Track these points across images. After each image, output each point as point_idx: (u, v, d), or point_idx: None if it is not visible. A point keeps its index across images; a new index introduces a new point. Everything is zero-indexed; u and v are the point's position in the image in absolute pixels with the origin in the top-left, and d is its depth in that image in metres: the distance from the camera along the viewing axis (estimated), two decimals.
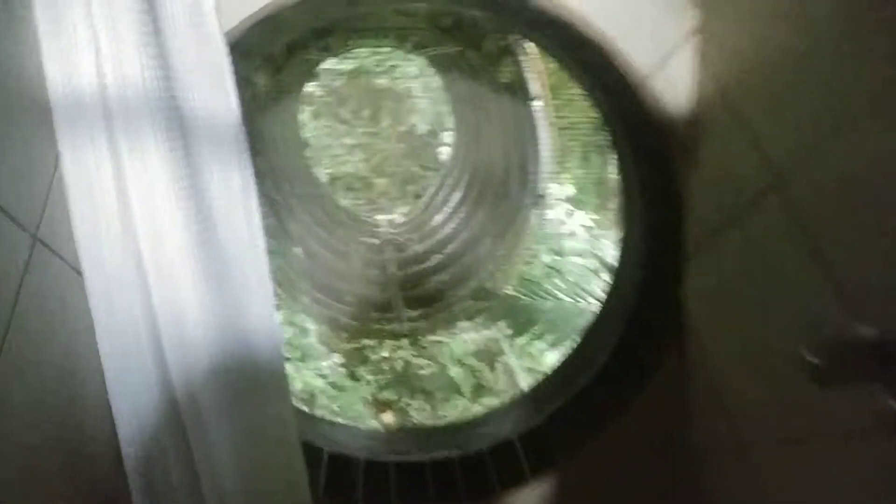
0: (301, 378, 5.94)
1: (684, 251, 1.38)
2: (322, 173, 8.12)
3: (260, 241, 1.22)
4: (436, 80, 7.17)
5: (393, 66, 8.88)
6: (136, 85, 0.96)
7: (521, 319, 2.69)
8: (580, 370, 1.81)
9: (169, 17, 1.02)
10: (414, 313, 4.23)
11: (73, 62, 0.91)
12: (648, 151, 1.35)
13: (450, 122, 6.99)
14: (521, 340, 2.55)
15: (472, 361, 5.71)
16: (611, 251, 4.11)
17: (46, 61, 0.89)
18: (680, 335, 1.49)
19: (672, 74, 1.26)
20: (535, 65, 3.66)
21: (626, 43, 1.24)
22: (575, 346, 1.89)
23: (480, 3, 1.49)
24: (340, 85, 9.35)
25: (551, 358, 2.67)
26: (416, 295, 4.42)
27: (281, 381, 1.27)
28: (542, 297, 2.90)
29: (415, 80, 8.87)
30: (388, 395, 5.53)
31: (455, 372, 5.68)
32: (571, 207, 5.46)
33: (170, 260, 1.03)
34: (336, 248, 4.88)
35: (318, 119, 9.17)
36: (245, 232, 1.19)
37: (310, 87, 8.85)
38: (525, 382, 2.78)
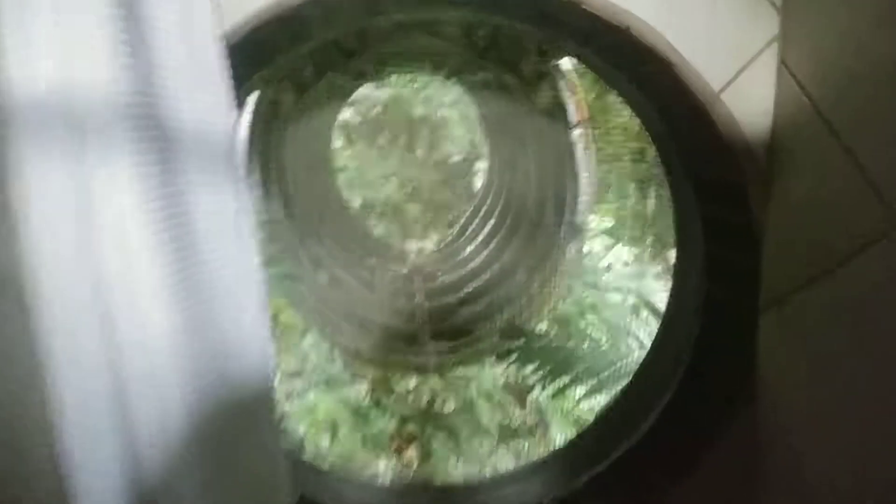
0: (324, 405, 5.78)
1: (759, 300, 1.15)
2: (355, 199, 8.09)
3: (255, 275, 1.05)
4: (472, 110, 7.10)
5: (429, 96, 8.90)
6: (108, 91, 0.82)
7: (556, 362, 2.45)
8: (624, 429, 1.57)
9: (152, 15, 0.88)
10: (441, 346, 4.02)
11: (34, 67, 0.77)
12: (717, 181, 1.14)
13: (485, 150, 6.89)
14: (555, 385, 2.30)
15: (501, 395, 5.43)
16: (653, 288, 3.84)
17: (7, 68, 0.75)
18: (749, 397, 1.25)
19: (747, 89, 1.05)
20: (574, 91, 3.48)
21: (694, 54, 1.04)
22: (617, 398, 1.66)
23: (526, 15, 1.33)
24: (377, 113, 9.41)
25: (589, 407, 2.42)
26: (443, 328, 4.21)
27: (274, 441, 1.09)
28: (578, 337, 2.66)
29: (451, 109, 8.85)
30: (411, 428, 5.30)
31: (482, 407, 5.42)
32: (610, 240, 5.20)
33: (143, 298, 0.86)
34: (363, 276, 4.74)
35: (354, 146, 9.22)
36: (238, 265, 1.02)
37: (347, 115, 8.94)
38: (559, 435, 2.53)
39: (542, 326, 3.01)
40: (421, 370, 3.88)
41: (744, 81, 1.05)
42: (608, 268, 4.31)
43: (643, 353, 2.42)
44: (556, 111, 3.57)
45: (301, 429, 5.75)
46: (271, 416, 1.15)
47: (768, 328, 1.15)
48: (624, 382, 2.37)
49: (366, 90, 8.73)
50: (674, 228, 1.51)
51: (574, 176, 3.69)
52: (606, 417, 1.64)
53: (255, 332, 1.05)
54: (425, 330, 4.22)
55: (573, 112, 3.50)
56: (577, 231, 3.75)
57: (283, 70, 2.64)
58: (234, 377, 1.02)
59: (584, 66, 2.26)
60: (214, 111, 1.00)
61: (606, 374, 2.32)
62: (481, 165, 7.35)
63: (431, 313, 4.45)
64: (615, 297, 3.40)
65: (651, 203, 5.87)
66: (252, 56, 1.17)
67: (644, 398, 1.52)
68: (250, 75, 1.30)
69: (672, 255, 4.76)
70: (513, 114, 4.31)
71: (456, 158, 8.45)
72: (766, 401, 1.19)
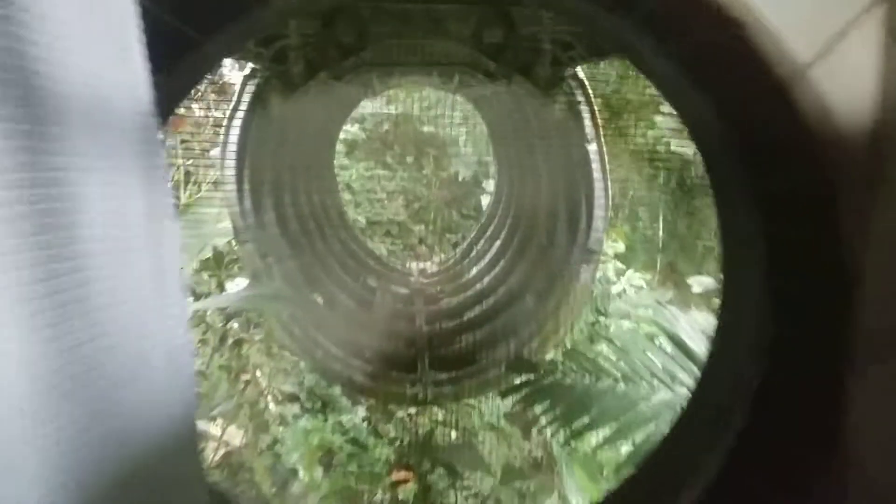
0: (320, 433, 5.48)
1: (850, 350, 0.86)
2: (359, 217, 7.88)
3: (178, 311, 0.78)
4: (481, 128, 6.90)
5: (438, 114, 8.74)
6: None
7: (569, 401, 2.15)
8: (655, 496, 1.28)
9: None
10: (440, 376, 3.71)
11: None
12: (793, 190, 0.87)
13: (493, 169, 6.66)
14: (569, 429, 2.01)
15: (504, 425, 5.09)
16: (670, 317, 3.54)
17: None
18: (827, 473, 0.96)
19: (842, 65, 0.78)
20: (590, 103, 3.24)
21: (774, 16, 0.78)
22: (646, 459, 1.36)
23: None
24: (385, 130, 9.26)
25: (609, 457, 2.11)
26: (444, 355, 3.92)
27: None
28: (592, 372, 2.35)
29: (459, 127, 8.67)
30: (409, 459, 4.99)
31: (484, 439, 5.08)
32: (621, 265, 4.91)
33: None
34: (361, 296, 4.47)
35: (360, 163, 9.04)
36: (147, 286, 0.75)
37: (353, 130, 8.78)
38: (573, 490, 2.20)
39: (553, 359, 2.71)
40: (417, 402, 3.57)
41: (838, 54, 0.78)
42: (620, 294, 4.02)
43: (668, 394, 2.11)
44: (570, 125, 3.33)
45: (294, 457, 5.44)
46: (196, 474, 0.86)
47: (864, 387, 0.86)
48: (647, 427, 2.07)
49: (373, 106, 8.60)
50: (722, 251, 1.23)
51: (588, 195, 3.42)
52: (635, 480, 1.34)
53: (170, 379, 0.77)
54: (424, 357, 3.92)
55: (589, 126, 3.25)
56: (591, 255, 3.47)
57: (265, 50, 2.40)
58: (136, 440, 0.74)
59: (610, 64, 2.04)
60: (121, 73, 0.74)
61: (627, 417, 2.02)
62: (489, 184, 7.12)
63: (432, 339, 4.16)
64: (629, 327, 3.10)
65: (660, 226, 5.60)
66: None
67: (682, 463, 1.22)
68: (211, 32, 1.04)
69: (693, 281, 4.47)
70: (523, 129, 4.07)
71: (464, 177, 8.24)
72: (856, 485, 0.89)
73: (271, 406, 5.75)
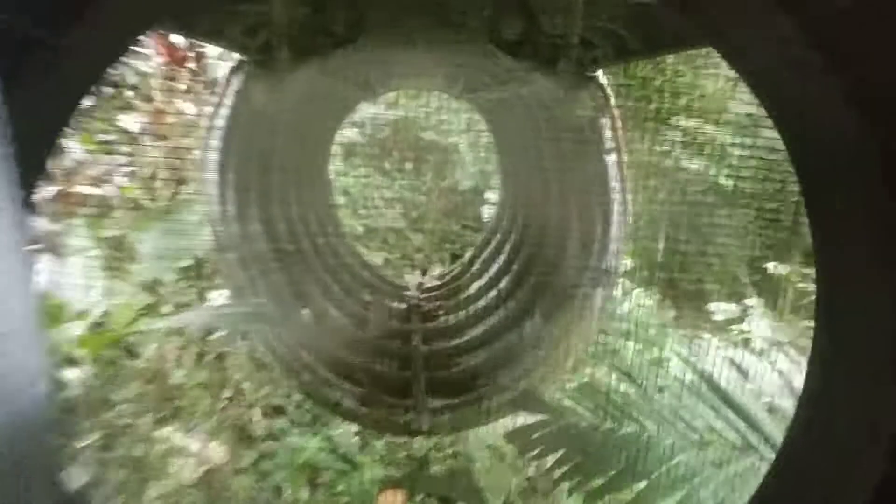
0: (307, 449, 5.17)
1: None
2: (356, 224, 7.57)
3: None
4: (485, 136, 6.63)
5: (441, 120, 8.47)
6: None
7: (587, 452, 1.84)
8: None
9: None
10: (437, 403, 3.39)
11: None
12: None
13: (496, 179, 6.39)
14: (587, 487, 1.69)
15: (504, 446, 4.77)
16: (690, 346, 3.25)
17: None
18: None
19: None
20: (610, 111, 2.96)
21: None
22: None
23: None
24: (384, 136, 8.98)
25: None
26: (441, 379, 3.60)
27: None
28: (612, 414, 2.05)
29: (461, 135, 8.40)
30: (401, 485, 4.67)
31: (483, 465, 4.76)
32: (630, 284, 4.61)
33: None
34: (353, 311, 4.15)
35: (357, 169, 8.75)
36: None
37: (351, 135, 8.50)
38: None
39: (562, 398, 2.40)
40: (412, 431, 3.25)
41: None
42: (629, 316, 3.70)
43: (713, 451, 1.81)
44: (587, 133, 3.04)
45: (280, 475, 5.13)
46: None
47: None
48: (682, 491, 1.76)
49: (373, 110, 8.33)
50: (818, 280, 0.93)
51: (605, 210, 3.13)
52: None
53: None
54: (420, 380, 3.61)
55: (608, 135, 2.96)
56: (606, 276, 3.17)
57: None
58: None
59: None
60: None
61: (659, 475, 1.71)
62: (491, 195, 6.85)
63: (429, 360, 3.84)
64: (648, 357, 2.80)
65: (662, 243, 5.30)
66: None
67: None
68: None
69: (716, 308, 4.18)
70: (534, 137, 3.79)
71: (465, 186, 7.95)
72: None
73: (256, 419, 5.43)
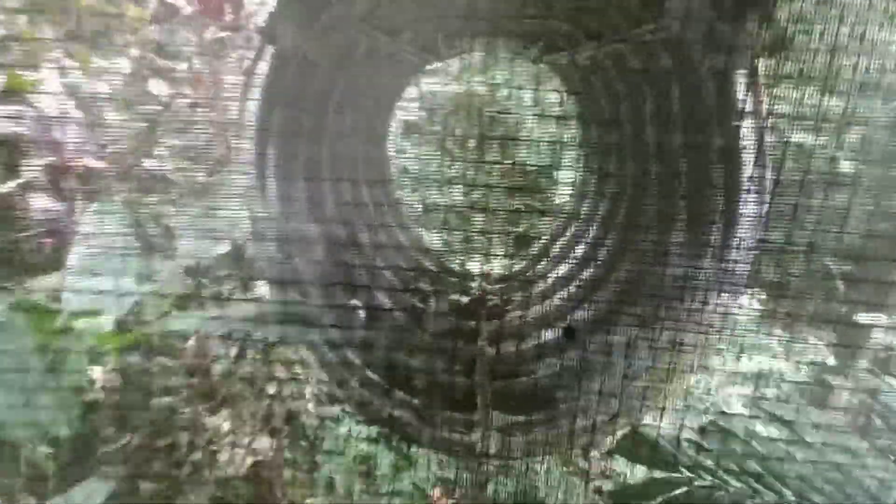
0: (362, 440, 4.82)
1: None
2: (413, 204, 7.10)
3: None
4: (557, 107, 5.93)
5: (508, 93, 7.80)
6: None
7: None
8: None
9: None
10: (507, 420, 2.86)
11: None
12: None
13: (573, 155, 5.70)
14: None
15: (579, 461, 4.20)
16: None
17: None
18: None
19: None
20: (748, 69, 2.25)
21: None
22: None
23: None
24: (445, 112, 8.42)
25: None
26: (510, 391, 3.06)
27: None
28: (743, 467, 1.44)
29: (530, 109, 7.70)
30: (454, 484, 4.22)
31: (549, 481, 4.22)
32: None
33: None
34: (409, 305, 3.66)
35: (417, 146, 8.27)
36: None
37: (413, 109, 7.99)
38: None
39: (667, 439, 1.79)
40: (476, 454, 2.74)
41: None
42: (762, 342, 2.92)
43: None
44: (713, 95, 2.35)
45: (330, 467, 4.80)
46: None
47: None
48: None
49: (436, 83, 7.76)
50: None
51: (731, 192, 2.44)
52: None
53: None
54: (486, 390, 3.08)
55: (743, 96, 2.26)
56: (729, 276, 2.49)
57: None
58: None
59: None
60: None
61: None
62: (566, 174, 6.16)
63: (495, 366, 3.30)
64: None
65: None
66: None
67: None
68: None
69: (865, 317, 3.37)
70: (631, 103, 3.11)
71: (534, 164, 7.29)
72: None
73: (310, 407, 5.13)
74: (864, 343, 3.16)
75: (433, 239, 5.36)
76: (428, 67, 4.61)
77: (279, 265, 2.73)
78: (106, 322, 2.49)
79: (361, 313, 3.25)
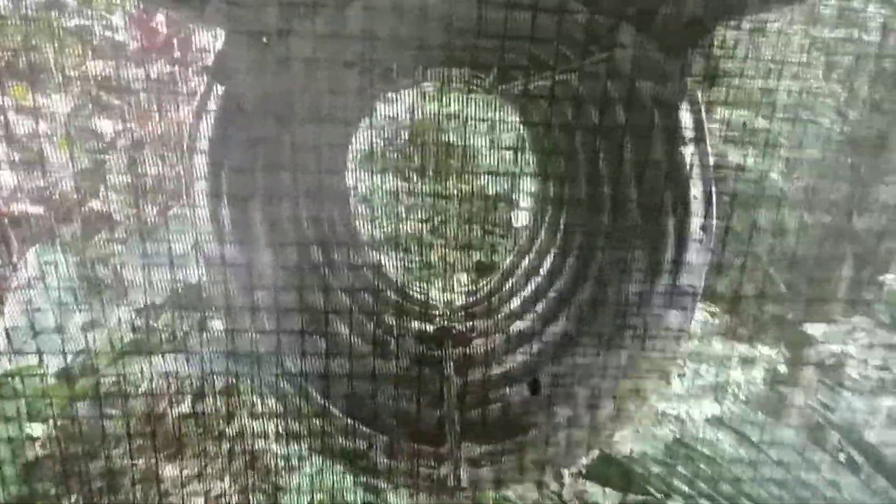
0: (328, 478, 4.65)
1: None
2: (374, 234, 7.06)
3: None
4: (513, 133, 6.04)
5: (466, 115, 7.92)
6: None
7: None
8: None
9: None
10: (475, 451, 2.82)
11: None
12: None
13: (532, 183, 5.79)
14: None
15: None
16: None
17: None
18: None
19: None
20: (690, 94, 2.35)
21: None
22: None
23: None
24: (403, 137, 8.48)
25: None
26: (479, 419, 3.03)
27: None
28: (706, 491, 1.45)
29: (486, 135, 7.84)
30: None
31: None
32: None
33: None
34: (375, 336, 3.59)
35: (376, 173, 8.26)
36: None
37: (369, 137, 7.99)
38: None
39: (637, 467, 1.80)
40: (447, 488, 2.68)
41: None
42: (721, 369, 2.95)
43: None
44: (659, 120, 2.44)
45: None
46: None
47: None
48: None
49: (392, 111, 7.81)
50: None
51: (681, 214, 2.52)
52: None
53: None
54: (454, 421, 3.04)
55: (689, 121, 2.36)
56: (684, 296, 2.56)
57: None
58: None
59: None
60: None
61: None
62: (524, 198, 6.26)
63: (463, 394, 3.27)
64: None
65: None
66: None
67: None
68: None
69: (815, 330, 3.50)
70: (582, 131, 3.20)
71: (492, 190, 7.38)
72: None
73: (273, 447, 4.92)
74: (812, 352, 3.28)
75: (394, 269, 5.32)
76: (383, 97, 4.63)
77: (235, 300, 2.64)
78: (50, 373, 2.34)
79: (323, 346, 3.17)
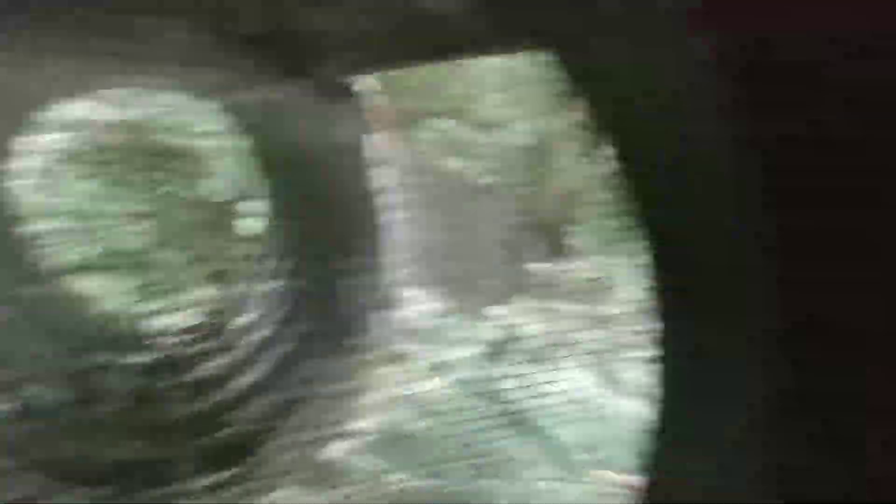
0: None
1: None
2: (75, 257, 6.02)
3: None
4: (239, 140, 5.81)
5: (180, 123, 7.29)
6: None
7: None
8: None
9: None
10: (208, 481, 2.75)
11: None
12: None
13: (259, 190, 5.64)
14: None
15: None
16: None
17: None
18: None
19: None
20: (379, 115, 2.68)
21: None
22: None
23: None
24: (107, 140, 7.40)
25: None
26: (213, 447, 2.94)
27: None
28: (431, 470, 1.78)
29: (208, 140, 7.35)
30: None
31: None
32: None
33: None
34: (80, 385, 3.14)
35: (80, 182, 7.05)
36: None
37: (69, 139, 6.79)
38: None
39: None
40: None
41: None
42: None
43: None
44: (347, 147, 2.72)
45: None
46: None
47: None
48: None
49: (88, 110, 6.75)
50: None
51: (376, 225, 2.86)
52: None
53: None
54: (188, 454, 2.90)
55: (374, 145, 2.68)
56: (387, 300, 2.91)
57: None
58: None
59: None
60: None
61: None
62: (255, 207, 6.05)
63: (194, 423, 3.12)
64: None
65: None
66: None
67: None
68: None
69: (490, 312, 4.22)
70: (295, 146, 3.31)
71: (219, 199, 6.95)
72: None
73: None
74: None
75: (99, 297, 4.62)
76: (77, 96, 3.99)
77: None
78: None
79: (17, 411, 2.68)
